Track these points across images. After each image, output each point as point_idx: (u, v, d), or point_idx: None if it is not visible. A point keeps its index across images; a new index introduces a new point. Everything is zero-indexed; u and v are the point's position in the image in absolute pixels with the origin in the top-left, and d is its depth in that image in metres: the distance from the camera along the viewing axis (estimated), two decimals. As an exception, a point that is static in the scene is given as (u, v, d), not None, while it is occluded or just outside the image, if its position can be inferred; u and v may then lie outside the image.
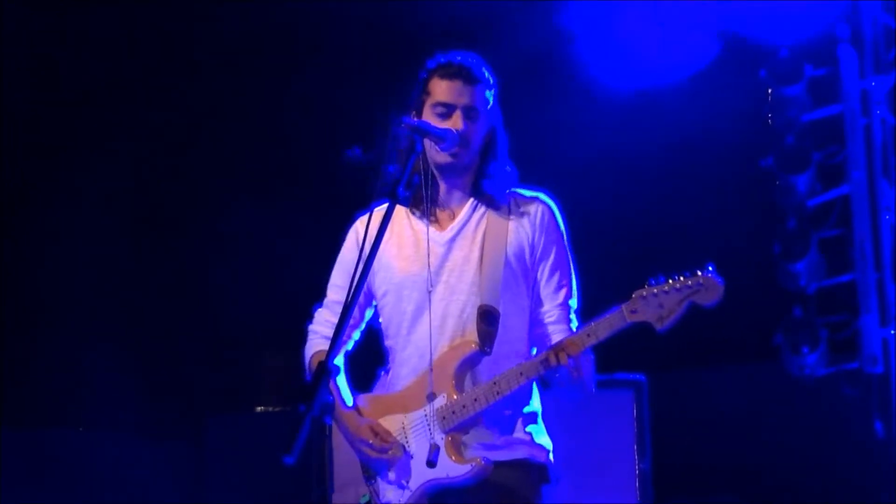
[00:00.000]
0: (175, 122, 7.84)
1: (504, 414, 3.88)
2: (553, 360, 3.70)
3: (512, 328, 3.92)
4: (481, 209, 3.98)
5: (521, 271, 3.94)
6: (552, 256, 3.99)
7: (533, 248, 3.96)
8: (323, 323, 4.14)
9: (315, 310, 4.19)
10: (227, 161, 7.94)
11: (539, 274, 3.97)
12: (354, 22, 7.63)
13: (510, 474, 3.85)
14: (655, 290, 3.66)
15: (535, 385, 3.95)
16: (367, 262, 3.51)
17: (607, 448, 6.22)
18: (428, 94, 3.96)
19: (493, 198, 3.98)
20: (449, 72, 3.94)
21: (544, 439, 3.97)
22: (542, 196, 4.06)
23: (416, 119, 3.90)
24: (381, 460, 3.90)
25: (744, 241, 7.16)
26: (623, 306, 3.70)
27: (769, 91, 6.82)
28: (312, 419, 3.21)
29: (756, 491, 7.06)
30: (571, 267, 4.05)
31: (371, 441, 3.89)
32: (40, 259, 7.57)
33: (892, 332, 6.59)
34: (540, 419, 3.99)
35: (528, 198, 4.03)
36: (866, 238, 6.69)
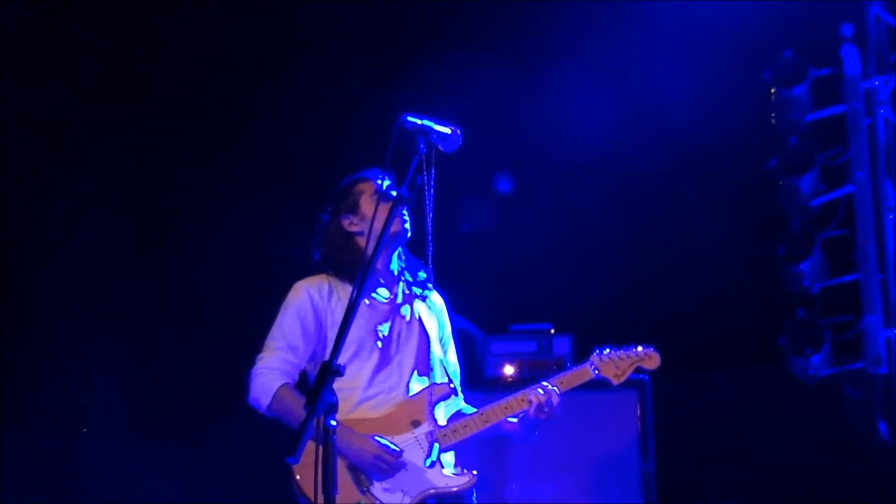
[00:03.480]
0: (172, 129, 7.84)
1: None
2: (537, 399, 4.23)
3: None
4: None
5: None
6: None
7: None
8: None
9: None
10: (230, 163, 7.93)
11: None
12: (354, 21, 7.62)
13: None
14: (613, 356, 4.45)
15: None
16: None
17: (611, 449, 6.22)
18: None
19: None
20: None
21: None
22: None
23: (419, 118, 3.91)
24: (380, 471, 4.16)
25: (747, 243, 7.16)
26: (588, 365, 4.42)
27: (772, 92, 6.80)
28: (316, 420, 3.21)
29: (760, 492, 7.05)
30: None
31: (378, 452, 4.16)
32: (40, 263, 7.56)
33: (896, 332, 6.59)
34: None
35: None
36: (870, 238, 6.68)
